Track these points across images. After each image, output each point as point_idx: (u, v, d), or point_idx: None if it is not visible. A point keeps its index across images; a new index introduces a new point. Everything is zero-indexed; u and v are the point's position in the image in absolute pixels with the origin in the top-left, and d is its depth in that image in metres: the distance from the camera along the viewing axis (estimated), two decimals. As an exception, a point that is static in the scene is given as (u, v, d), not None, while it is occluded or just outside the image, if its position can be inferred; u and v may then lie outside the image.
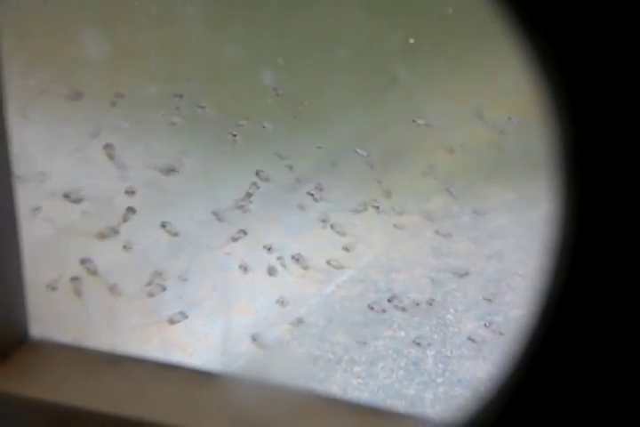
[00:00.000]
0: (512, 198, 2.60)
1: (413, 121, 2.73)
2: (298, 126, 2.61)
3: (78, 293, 1.93)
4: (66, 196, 2.20)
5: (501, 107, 2.82)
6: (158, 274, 2.03)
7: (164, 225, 2.18)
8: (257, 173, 2.42)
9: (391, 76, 2.74)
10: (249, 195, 2.39)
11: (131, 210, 2.21)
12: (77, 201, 2.20)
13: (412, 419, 1.14)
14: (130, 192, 2.27)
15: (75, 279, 1.97)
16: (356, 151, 2.60)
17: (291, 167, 2.49)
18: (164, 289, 2.00)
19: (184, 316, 1.97)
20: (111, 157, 2.34)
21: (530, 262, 2.25)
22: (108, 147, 2.38)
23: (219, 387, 1.19)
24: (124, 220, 2.19)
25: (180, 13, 2.54)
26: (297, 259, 2.23)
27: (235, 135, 2.58)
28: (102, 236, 2.11)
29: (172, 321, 1.95)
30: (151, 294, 1.97)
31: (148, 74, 2.56)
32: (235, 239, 2.19)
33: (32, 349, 1.04)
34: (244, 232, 2.21)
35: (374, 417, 1.04)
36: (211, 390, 1.19)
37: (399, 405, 1.79)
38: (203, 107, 2.56)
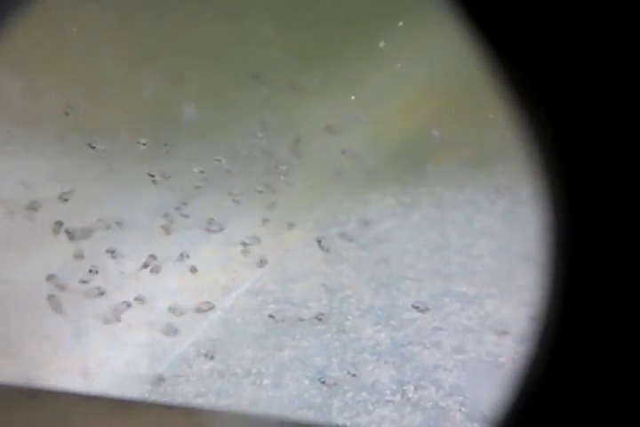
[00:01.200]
0: (392, 204, 2.72)
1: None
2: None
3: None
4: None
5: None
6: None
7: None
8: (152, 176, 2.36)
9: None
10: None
11: None
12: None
13: None
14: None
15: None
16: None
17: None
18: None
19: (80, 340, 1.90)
20: None
21: (418, 266, 2.37)
22: None
23: (141, 414, 1.17)
24: None
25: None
26: (193, 271, 2.21)
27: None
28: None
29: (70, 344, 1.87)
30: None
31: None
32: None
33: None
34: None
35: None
36: (134, 418, 1.17)
37: (308, 414, 1.83)
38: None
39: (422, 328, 2.07)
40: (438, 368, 1.93)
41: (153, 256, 2.19)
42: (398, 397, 1.84)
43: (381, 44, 2.66)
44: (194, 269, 2.21)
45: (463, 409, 1.80)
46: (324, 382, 1.91)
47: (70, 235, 2.10)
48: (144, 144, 2.38)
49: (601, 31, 0.40)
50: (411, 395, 1.84)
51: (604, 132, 0.41)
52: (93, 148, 2.40)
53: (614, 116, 0.41)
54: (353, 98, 2.70)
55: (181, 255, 2.20)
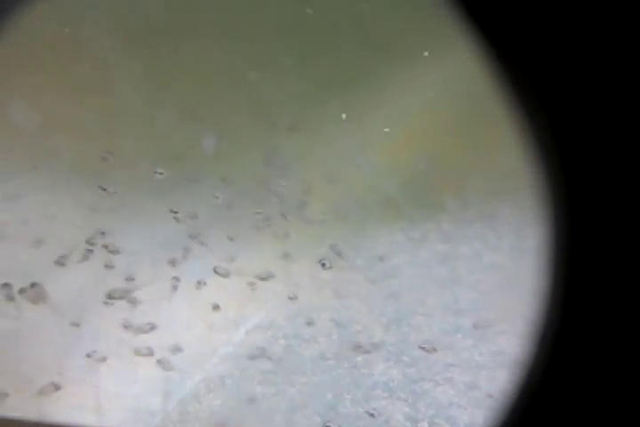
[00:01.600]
0: (400, 240, 2.71)
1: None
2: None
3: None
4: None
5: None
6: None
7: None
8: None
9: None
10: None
11: None
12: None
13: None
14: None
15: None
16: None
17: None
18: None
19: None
20: None
21: (428, 301, 2.36)
22: None
23: None
24: None
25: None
26: (202, 304, 2.19)
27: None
28: None
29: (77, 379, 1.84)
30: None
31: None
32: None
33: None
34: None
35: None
36: None
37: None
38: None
39: (435, 364, 2.05)
40: (452, 405, 1.91)
41: (161, 288, 2.18)
42: (413, 434, 1.82)
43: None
44: (203, 303, 2.20)
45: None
46: (336, 420, 1.88)
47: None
48: (161, 173, 2.39)
49: (604, 44, 0.40)
50: (425, 432, 1.82)
51: (612, 160, 0.41)
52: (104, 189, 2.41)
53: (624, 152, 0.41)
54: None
55: (192, 288, 2.19)
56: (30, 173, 2.26)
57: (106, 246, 2.23)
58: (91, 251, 2.18)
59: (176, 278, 2.20)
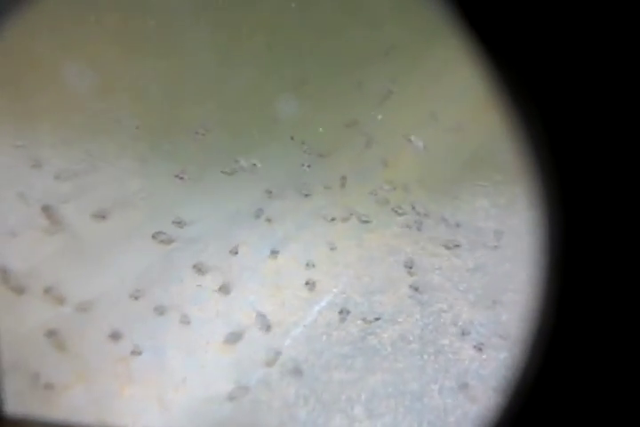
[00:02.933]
0: (485, 205, 2.47)
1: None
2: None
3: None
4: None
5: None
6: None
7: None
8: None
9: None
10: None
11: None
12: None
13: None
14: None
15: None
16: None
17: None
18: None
19: (149, 356, 1.72)
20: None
21: (518, 275, 2.12)
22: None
23: None
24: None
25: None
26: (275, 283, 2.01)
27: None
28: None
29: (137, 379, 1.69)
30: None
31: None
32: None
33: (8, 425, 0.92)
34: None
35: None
36: None
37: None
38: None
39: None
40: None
41: (224, 271, 2.01)
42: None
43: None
44: (274, 284, 2.02)
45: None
46: (424, 411, 1.69)
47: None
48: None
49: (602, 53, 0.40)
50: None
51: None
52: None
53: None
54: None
55: (258, 265, 2.01)
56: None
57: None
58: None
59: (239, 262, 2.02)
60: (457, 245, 2.24)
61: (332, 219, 2.26)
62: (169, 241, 2.00)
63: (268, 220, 2.18)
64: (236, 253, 2.03)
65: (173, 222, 2.02)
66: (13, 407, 0.85)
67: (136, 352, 1.71)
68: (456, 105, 2.66)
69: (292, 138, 2.37)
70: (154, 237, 1.98)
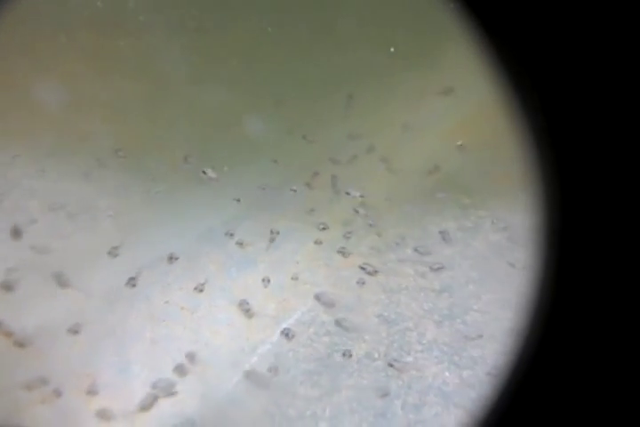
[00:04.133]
0: (450, 228, 2.53)
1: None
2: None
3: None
4: None
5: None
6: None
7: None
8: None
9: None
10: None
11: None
12: None
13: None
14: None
15: None
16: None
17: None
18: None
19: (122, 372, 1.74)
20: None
21: (483, 297, 2.17)
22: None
23: None
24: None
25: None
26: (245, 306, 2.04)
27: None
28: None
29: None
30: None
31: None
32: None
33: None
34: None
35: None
36: None
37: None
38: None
39: (494, 367, 1.87)
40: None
41: (199, 283, 2.03)
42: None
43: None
44: (241, 303, 2.05)
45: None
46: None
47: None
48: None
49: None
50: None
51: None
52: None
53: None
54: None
55: (226, 284, 2.04)
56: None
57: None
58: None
59: (216, 274, 2.05)
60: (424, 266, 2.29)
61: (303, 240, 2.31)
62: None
63: (239, 243, 2.22)
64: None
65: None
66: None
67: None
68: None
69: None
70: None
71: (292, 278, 2.16)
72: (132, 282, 1.97)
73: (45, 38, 2.24)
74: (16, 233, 1.97)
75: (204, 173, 2.24)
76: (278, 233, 2.23)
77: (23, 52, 2.16)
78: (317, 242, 2.30)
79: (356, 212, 2.38)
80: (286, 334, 1.98)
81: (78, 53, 2.22)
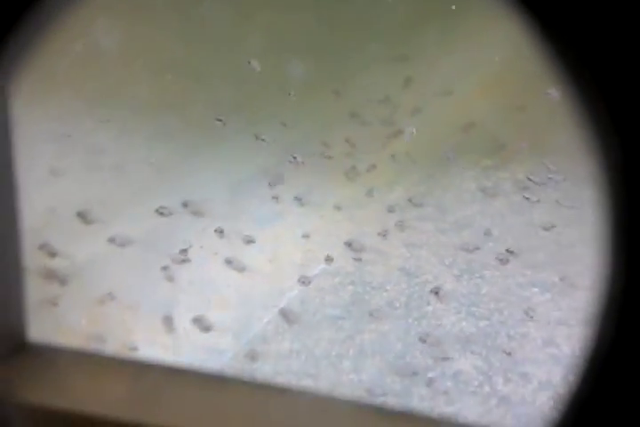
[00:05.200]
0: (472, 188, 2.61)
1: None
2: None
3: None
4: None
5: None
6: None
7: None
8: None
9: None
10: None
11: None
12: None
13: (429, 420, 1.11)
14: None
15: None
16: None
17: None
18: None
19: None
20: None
21: (502, 253, 2.26)
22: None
23: (232, 390, 1.12)
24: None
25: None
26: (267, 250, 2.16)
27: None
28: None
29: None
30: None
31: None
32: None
33: (32, 353, 0.96)
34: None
35: (393, 420, 1.00)
36: (224, 393, 1.11)
37: (389, 401, 1.76)
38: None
39: (509, 318, 1.98)
40: (526, 361, 1.84)
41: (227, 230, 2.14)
42: (486, 388, 1.76)
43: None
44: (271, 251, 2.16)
45: (554, 405, 1.71)
46: (405, 369, 1.83)
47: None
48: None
49: None
50: (499, 387, 1.75)
51: None
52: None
53: None
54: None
55: (256, 233, 2.15)
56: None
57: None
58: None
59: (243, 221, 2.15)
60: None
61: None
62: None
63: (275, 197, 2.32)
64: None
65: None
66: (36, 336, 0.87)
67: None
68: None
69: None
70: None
71: (318, 231, 2.26)
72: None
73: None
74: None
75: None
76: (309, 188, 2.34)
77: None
78: (342, 197, 2.40)
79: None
80: (311, 282, 2.09)
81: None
